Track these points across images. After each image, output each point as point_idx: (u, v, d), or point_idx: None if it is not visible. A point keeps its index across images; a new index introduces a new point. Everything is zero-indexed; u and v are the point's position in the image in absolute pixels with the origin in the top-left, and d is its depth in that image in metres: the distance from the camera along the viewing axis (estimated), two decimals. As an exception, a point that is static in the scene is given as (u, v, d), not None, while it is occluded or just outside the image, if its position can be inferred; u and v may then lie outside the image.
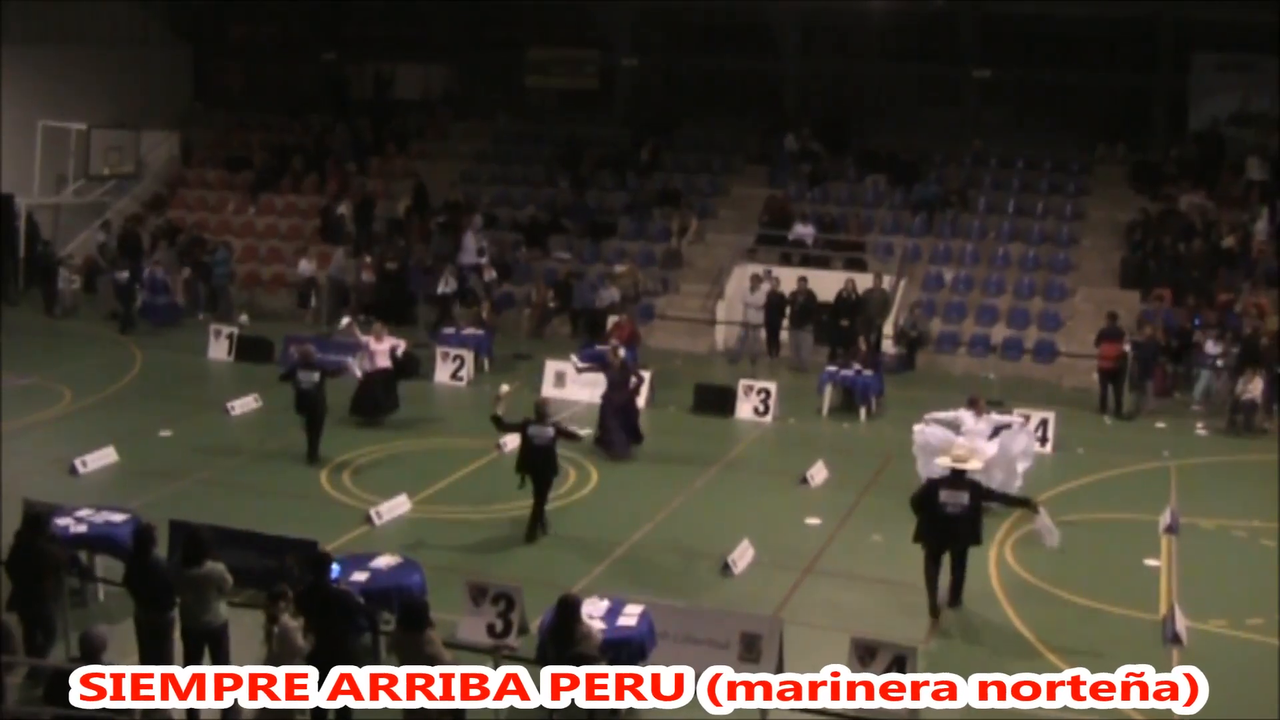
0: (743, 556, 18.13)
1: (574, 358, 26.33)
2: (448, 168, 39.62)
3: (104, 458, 21.71)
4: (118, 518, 16.76)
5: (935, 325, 31.99)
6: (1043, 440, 24.08)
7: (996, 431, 20.69)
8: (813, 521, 20.03)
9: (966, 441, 19.86)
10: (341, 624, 12.87)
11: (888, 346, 30.76)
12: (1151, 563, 18.68)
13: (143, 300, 33.03)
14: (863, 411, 26.44)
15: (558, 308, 33.44)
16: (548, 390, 26.98)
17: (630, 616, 14.29)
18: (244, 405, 25.37)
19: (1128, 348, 27.46)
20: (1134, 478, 22.97)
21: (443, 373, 28.38)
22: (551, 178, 38.49)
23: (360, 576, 15.01)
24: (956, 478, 16.64)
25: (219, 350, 29.86)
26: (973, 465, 17.04)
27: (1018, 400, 25.87)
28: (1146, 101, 37.36)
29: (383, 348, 25.15)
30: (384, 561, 15.64)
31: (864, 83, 40.08)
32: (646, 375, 25.71)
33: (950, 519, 16.51)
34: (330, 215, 37.13)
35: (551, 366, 27.58)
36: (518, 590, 15.34)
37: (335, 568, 13.90)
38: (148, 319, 32.89)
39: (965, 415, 20.68)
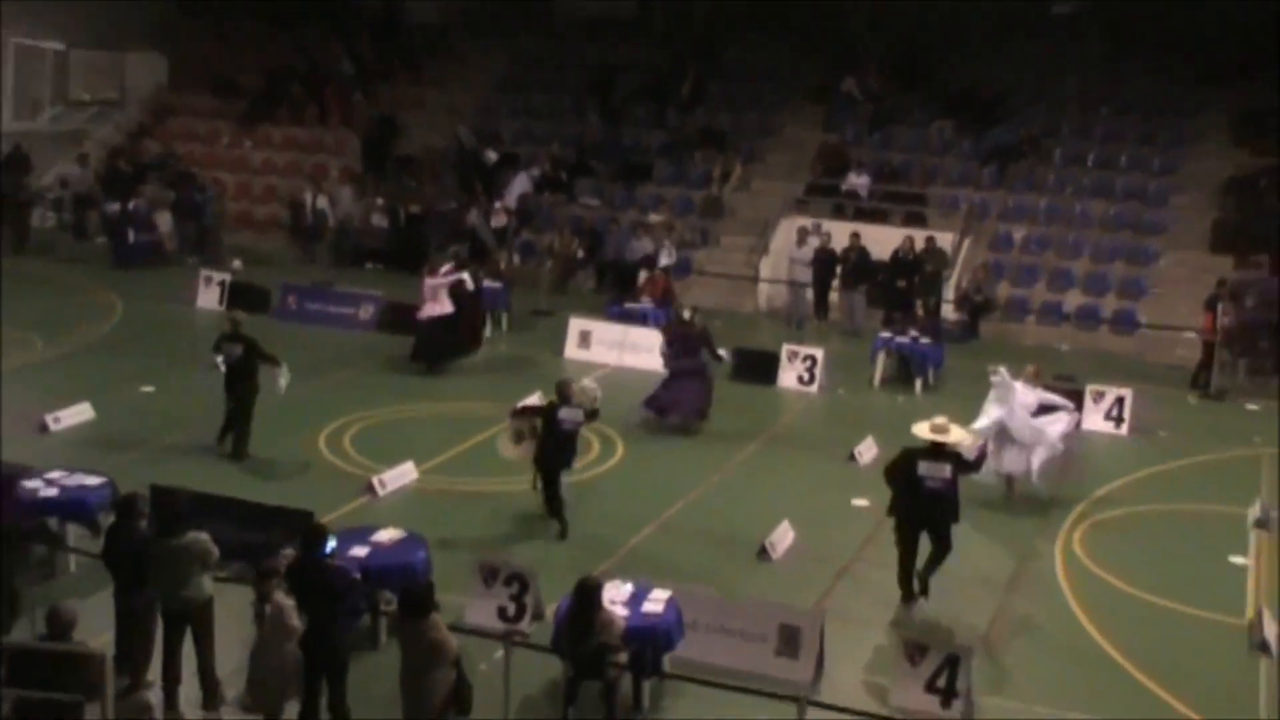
0: (782, 540, 18.19)
1: (660, 344, 25.09)
2: (464, 97, 39.59)
3: (78, 414, 21.80)
4: (92, 481, 16.87)
5: (1003, 290, 31.91)
6: (1118, 421, 24.19)
7: (1045, 410, 20.55)
8: (861, 503, 20.02)
9: (1002, 413, 19.90)
10: (335, 604, 12.98)
11: (949, 312, 30.72)
12: (1238, 560, 18.62)
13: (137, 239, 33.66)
14: (919, 383, 26.42)
15: (585, 259, 33.45)
16: (571, 352, 27.12)
17: (656, 603, 14.34)
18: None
19: (1225, 319, 27.30)
20: (1221, 465, 22.88)
21: (454, 330, 28.42)
22: (580, 110, 38.41)
23: (359, 552, 15.08)
24: (937, 449, 16.46)
25: (209, 298, 30.01)
26: (953, 438, 16.70)
27: (1092, 376, 25.83)
28: (1258, 40, 36.69)
29: (437, 281, 25.59)
30: (386, 536, 15.69)
31: (935, 13, 39.65)
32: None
33: (931, 494, 16.34)
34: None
35: (576, 325, 27.68)
36: (533, 572, 15.42)
37: (331, 542, 14.01)
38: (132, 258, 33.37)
39: (1020, 385, 20.50)
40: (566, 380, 18.92)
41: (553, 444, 18.24)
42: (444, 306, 25.76)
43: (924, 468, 16.33)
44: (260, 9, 43.38)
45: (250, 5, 43.74)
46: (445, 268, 26.33)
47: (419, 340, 25.79)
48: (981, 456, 18.41)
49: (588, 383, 19.59)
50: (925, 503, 16.38)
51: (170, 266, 33.35)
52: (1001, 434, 19.90)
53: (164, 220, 34.42)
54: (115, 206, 34.05)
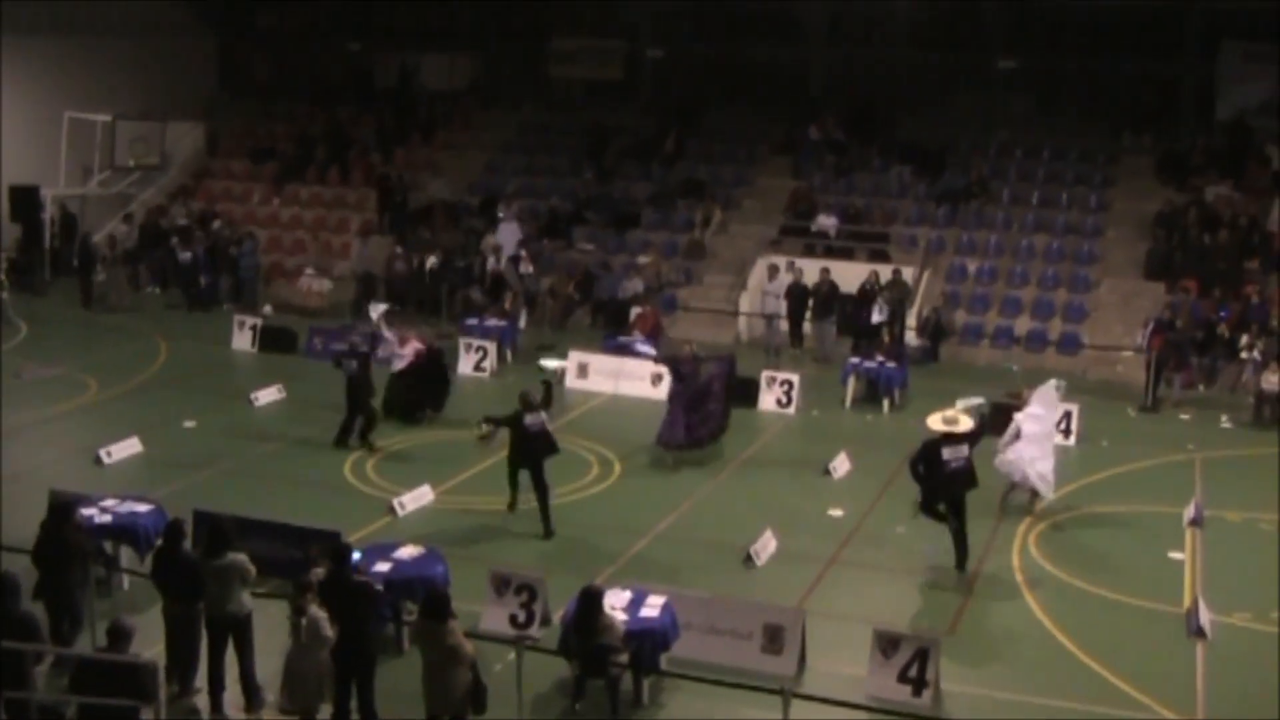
0: (765, 548, 18.16)
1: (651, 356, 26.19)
2: (473, 158, 39.68)
3: (129, 448, 21.82)
4: (142, 508, 16.90)
5: (959, 317, 31.87)
6: (1066, 432, 24.07)
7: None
8: (836, 513, 20.02)
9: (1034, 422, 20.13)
10: (362, 614, 12.96)
11: (911, 338, 30.67)
12: (1176, 555, 18.64)
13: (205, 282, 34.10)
14: (886, 403, 26.36)
15: (581, 299, 33.43)
16: (572, 382, 27.04)
17: (653, 607, 14.34)
18: (268, 396, 25.42)
19: (1139, 339, 27.71)
20: (1158, 470, 22.91)
21: (466, 364, 28.30)
22: (576, 168, 38.50)
23: (383, 566, 15.09)
24: (952, 436, 17.60)
25: (242, 341, 29.91)
26: (963, 427, 17.84)
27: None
28: (1173, 91, 37.18)
29: (407, 351, 24.65)
30: (407, 552, 15.70)
31: (889, 72, 39.93)
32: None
33: (955, 473, 17.58)
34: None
35: (575, 357, 27.59)
36: (540, 581, 15.42)
37: (355, 555, 13.98)
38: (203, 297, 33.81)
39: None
40: (527, 391, 19.40)
41: (526, 445, 18.90)
42: (402, 364, 24.53)
43: (947, 453, 17.56)
44: (293, 85, 43.89)
45: (283, 82, 44.35)
46: (412, 340, 24.87)
47: (388, 394, 24.37)
48: (980, 427, 18.68)
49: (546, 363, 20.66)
50: (950, 481, 17.61)
51: (211, 312, 33.26)
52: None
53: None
54: (187, 255, 34.29)
